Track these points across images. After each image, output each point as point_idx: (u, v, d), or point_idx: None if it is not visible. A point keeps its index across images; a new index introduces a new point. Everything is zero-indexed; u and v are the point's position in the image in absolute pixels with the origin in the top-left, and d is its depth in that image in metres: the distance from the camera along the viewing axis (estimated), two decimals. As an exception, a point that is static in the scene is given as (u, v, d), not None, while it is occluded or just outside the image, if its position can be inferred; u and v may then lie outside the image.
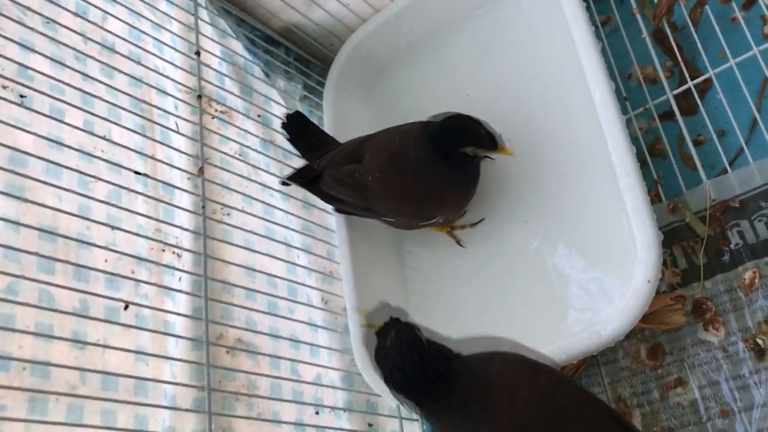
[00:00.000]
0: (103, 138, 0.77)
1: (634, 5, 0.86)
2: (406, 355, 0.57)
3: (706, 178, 0.77)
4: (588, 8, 0.83)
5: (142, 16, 0.89)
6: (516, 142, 0.90)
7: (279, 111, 0.98)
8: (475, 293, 0.87)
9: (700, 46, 0.81)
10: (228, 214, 0.86)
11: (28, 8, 0.74)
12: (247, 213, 0.85)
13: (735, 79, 0.77)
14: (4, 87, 0.74)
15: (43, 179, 0.68)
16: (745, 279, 0.72)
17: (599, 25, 0.89)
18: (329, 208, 0.93)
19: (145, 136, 0.83)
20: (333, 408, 0.83)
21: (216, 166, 0.86)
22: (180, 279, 0.78)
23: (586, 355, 0.73)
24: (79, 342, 0.67)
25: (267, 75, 1.02)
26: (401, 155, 0.81)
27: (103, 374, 0.67)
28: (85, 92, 0.76)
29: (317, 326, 0.86)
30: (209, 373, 0.72)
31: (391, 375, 0.57)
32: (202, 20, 0.95)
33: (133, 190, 0.78)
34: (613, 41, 0.89)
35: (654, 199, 0.78)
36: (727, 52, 0.77)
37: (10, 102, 0.70)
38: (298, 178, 0.87)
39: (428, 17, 1.03)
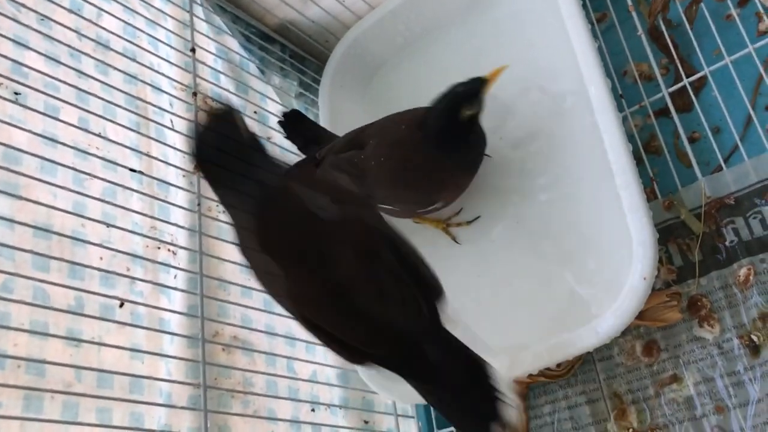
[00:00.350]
0: (98, 135, 0.77)
1: (629, 2, 0.86)
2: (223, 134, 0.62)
3: (702, 175, 0.77)
4: (584, 6, 0.83)
5: (137, 13, 0.89)
6: (511, 139, 0.90)
7: (274, 108, 0.98)
8: (469, 291, 0.87)
9: (695, 43, 0.81)
10: (223, 212, 0.85)
11: (23, 5, 0.74)
12: (243, 210, 0.85)
13: (730, 77, 0.77)
14: (-1, 84, 0.74)
15: (37, 176, 0.68)
16: (740, 276, 0.72)
17: (595, 22, 0.89)
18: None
19: (140, 133, 0.83)
20: (329, 405, 0.84)
21: (211, 163, 0.86)
22: (175, 276, 0.78)
23: (582, 352, 0.73)
24: (74, 339, 0.67)
25: (262, 72, 1.02)
26: (403, 141, 0.81)
27: (99, 372, 0.67)
28: (79, 89, 0.75)
29: (313, 323, 0.86)
30: (205, 371, 0.72)
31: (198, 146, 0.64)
32: (197, 17, 0.95)
33: (128, 188, 0.78)
34: (609, 38, 0.89)
35: (649, 196, 0.78)
36: (722, 49, 0.77)
37: (5, 99, 0.70)
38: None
39: (424, 15, 1.03)
